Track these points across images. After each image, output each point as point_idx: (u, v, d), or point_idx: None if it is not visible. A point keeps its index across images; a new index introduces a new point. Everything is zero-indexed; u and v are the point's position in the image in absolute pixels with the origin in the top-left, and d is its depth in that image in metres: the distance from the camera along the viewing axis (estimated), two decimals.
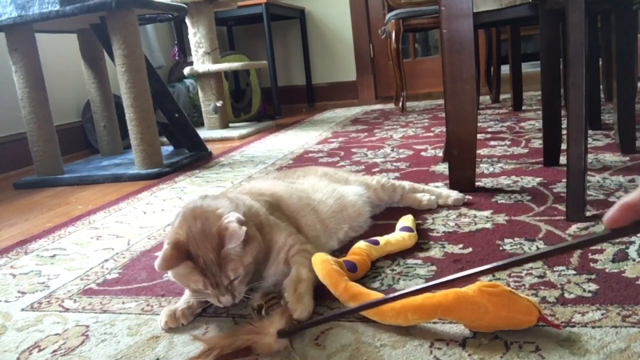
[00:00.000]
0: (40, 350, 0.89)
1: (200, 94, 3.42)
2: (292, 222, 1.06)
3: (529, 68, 4.11)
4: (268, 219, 1.00)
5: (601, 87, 2.52)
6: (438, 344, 0.77)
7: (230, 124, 3.59)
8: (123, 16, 2.15)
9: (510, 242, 1.11)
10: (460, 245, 1.12)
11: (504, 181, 1.58)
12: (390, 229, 1.20)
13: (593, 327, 0.77)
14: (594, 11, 1.97)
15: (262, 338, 0.78)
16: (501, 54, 3.40)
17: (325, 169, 1.38)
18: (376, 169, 1.93)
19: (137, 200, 1.86)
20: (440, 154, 2.05)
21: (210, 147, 2.73)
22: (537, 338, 0.76)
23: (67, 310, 1.03)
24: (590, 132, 2.11)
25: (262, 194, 1.08)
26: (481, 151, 2.01)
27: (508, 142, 2.15)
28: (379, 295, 0.85)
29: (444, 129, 2.21)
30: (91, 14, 2.17)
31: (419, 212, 1.36)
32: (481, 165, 1.80)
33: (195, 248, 0.86)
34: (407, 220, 1.22)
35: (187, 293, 0.98)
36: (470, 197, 1.44)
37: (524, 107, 3.06)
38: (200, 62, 3.37)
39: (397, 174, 1.82)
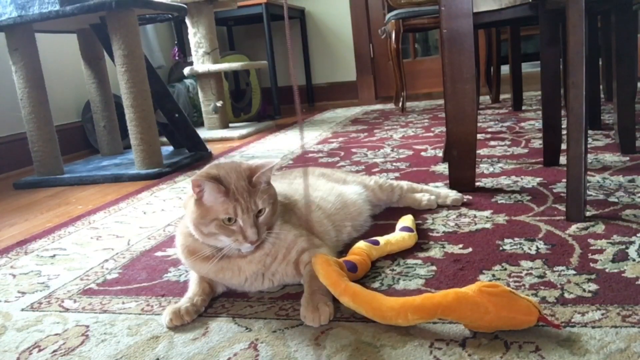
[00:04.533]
0: (40, 350, 0.89)
1: (200, 94, 3.42)
2: (301, 219, 1.07)
3: (529, 68, 4.11)
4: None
5: (601, 87, 2.52)
6: (438, 344, 0.77)
7: (230, 124, 3.59)
8: (123, 16, 2.15)
9: (510, 242, 1.11)
10: (460, 245, 1.12)
11: (504, 181, 1.58)
12: (390, 229, 1.20)
13: (593, 327, 0.77)
14: (594, 11, 1.97)
15: None
16: (501, 54, 3.40)
17: (322, 169, 1.38)
18: (376, 169, 1.93)
19: (137, 200, 1.86)
20: (440, 154, 2.05)
21: (210, 147, 2.73)
22: (537, 338, 0.76)
23: (67, 310, 1.03)
24: (590, 132, 2.11)
25: None
26: (481, 151, 2.01)
27: (508, 142, 2.15)
28: (379, 296, 0.85)
29: (444, 129, 2.21)
30: (91, 14, 2.17)
31: (418, 212, 1.36)
32: (481, 165, 1.80)
33: (227, 177, 0.92)
34: (407, 220, 1.22)
35: (190, 292, 0.98)
36: (470, 197, 1.44)
37: (524, 107, 3.06)
38: (200, 62, 3.37)
39: (397, 174, 1.82)
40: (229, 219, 0.91)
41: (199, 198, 0.93)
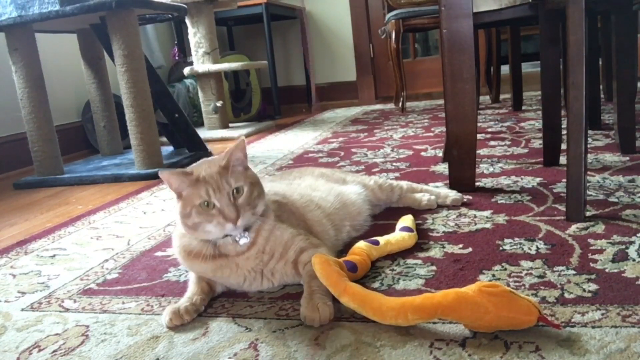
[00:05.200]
0: (40, 350, 0.89)
1: (200, 94, 3.42)
2: (299, 219, 1.07)
3: (529, 68, 4.11)
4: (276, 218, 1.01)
5: (601, 87, 2.52)
6: (438, 344, 0.77)
7: (230, 124, 3.59)
8: (123, 16, 2.15)
9: (510, 242, 1.11)
10: (460, 245, 1.12)
11: (504, 181, 1.58)
12: (390, 229, 1.20)
13: (593, 327, 0.77)
14: (594, 11, 1.97)
15: None
16: (501, 54, 3.39)
17: (322, 169, 1.38)
18: (376, 169, 1.93)
19: (137, 200, 1.86)
20: (440, 154, 2.05)
21: (210, 147, 2.73)
22: (537, 338, 0.76)
23: (67, 310, 1.03)
24: (590, 132, 2.11)
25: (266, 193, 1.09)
26: (481, 151, 2.01)
27: (508, 142, 2.15)
28: (379, 296, 0.85)
29: (444, 129, 2.21)
30: (91, 14, 2.17)
31: (418, 212, 1.36)
32: (481, 165, 1.80)
33: (196, 168, 0.95)
34: (407, 220, 1.22)
35: (189, 291, 0.98)
36: (470, 197, 1.44)
37: (524, 107, 3.06)
38: (200, 62, 3.37)
39: (397, 174, 1.82)
40: (206, 204, 0.91)
41: (179, 195, 0.94)
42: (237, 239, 0.95)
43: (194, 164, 0.99)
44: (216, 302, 0.99)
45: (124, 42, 2.17)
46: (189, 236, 0.98)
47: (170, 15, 2.69)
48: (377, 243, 1.08)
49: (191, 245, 0.98)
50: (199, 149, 2.62)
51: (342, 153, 2.34)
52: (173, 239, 1.04)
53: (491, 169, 1.74)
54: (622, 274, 0.92)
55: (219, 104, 3.36)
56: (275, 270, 0.99)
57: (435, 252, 1.10)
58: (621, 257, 0.98)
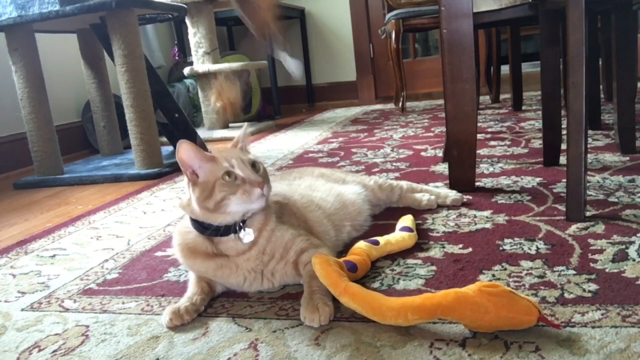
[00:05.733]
0: (40, 350, 0.89)
1: (200, 94, 3.42)
2: (300, 219, 1.07)
3: (529, 68, 4.10)
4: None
5: (601, 87, 2.52)
6: (438, 344, 0.77)
7: (230, 124, 3.59)
8: (123, 16, 2.15)
9: (510, 242, 1.11)
10: (460, 245, 1.12)
11: (504, 181, 1.58)
12: (390, 229, 1.20)
13: (593, 327, 0.77)
14: (594, 11, 1.97)
15: None
16: (501, 54, 3.39)
17: (322, 169, 1.38)
18: (376, 169, 1.93)
19: (137, 200, 1.86)
20: (440, 154, 2.05)
21: (210, 147, 2.72)
22: (537, 338, 0.76)
23: (67, 310, 1.03)
24: (590, 132, 2.11)
25: None
26: (481, 151, 2.01)
27: (508, 142, 2.15)
28: (379, 296, 0.85)
29: (444, 129, 2.21)
30: (91, 14, 2.17)
31: (418, 212, 1.36)
32: (481, 165, 1.80)
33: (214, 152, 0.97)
34: (407, 220, 1.22)
35: (189, 291, 0.98)
36: (470, 197, 1.44)
37: (524, 107, 3.06)
38: (200, 62, 3.37)
39: (397, 174, 1.82)
40: (229, 174, 0.92)
41: (194, 182, 0.94)
42: (241, 236, 0.95)
43: None
44: (216, 302, 0.99)
45: (124, 42, 2.17)
46: (191, 233, 0.98)
47: (170, 15, 2.69)
48: (377, 243, 1.08)
49: (193, 242, 0.98)
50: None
51: (342, 153, 2.34)
52: (173, 237, 1.04)
53: (491, 169, 1.74)
54: (622, 274, 0.92)
55: (219, 103, 3.36)
56: (276, 270, 0.99)
57: (435, 252, 1.10)
58: (621, 257, 0.98)
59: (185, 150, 0.93)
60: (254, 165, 0.95)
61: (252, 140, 3.07)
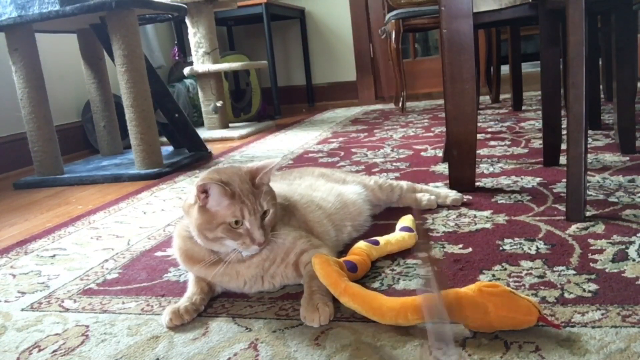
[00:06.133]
0: (40, 350, 0.89)
1: (200, 94, 3.42)
2: (300, 220, 1.06)
3: (529, 68, 4.11)
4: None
5: (601, 87, 2.52)
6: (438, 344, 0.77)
7: (230, 124, 3.59)
8: (123, 16, 2.15)
9: (510, 242, 1.11)
10: (460, 245, 1.12)
11: (504, 181, 1.58)
12: (390, 229, 1.20)
13: (593, 327, 0.77)
14: (594, 11, 1.97)
15: None
16: (501, 54, 3.39)
17: (322, 169, 1.38)
18: (376, 169, 1.93)
19: (137, 200, 1.86)
20: (440, 154, 2.05)
21: (210, 147, 2.73)
22: (537, 338, 0.76)
23: (67, 310, 1.03)
24: (590, 132, 2.11)
25: None
26: (481, 151, 2.01)
27: (508, 142, 2.15)
28: (379, 296, 0.85)
29: (444, 129, 2.21)
30: (91, 14, 2.17)
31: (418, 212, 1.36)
32: (481, 165, 1.80)
33: (231, 180, 0.91)
34: (407, 220, 1.22)
35: (188, 291, 0.98)
36: (470, 197, 1.44)
37: (524, 107, 3.06)
38: (200, 62, 3.37)
39: (397, 174, 1.82)
40: (236, 222, 0.91)
41: (203, 205, 0.92)
42: (240, 250, 0.95)
43: (217, 169, 0.97)
44: (216, 302, 0.99)
45: (124, 42, 2.17)
46: (192, 241, 0.98)
47: (170, 15, 2.69)
48: (377, 243, 1.08)
49: (194, 250, 0.98)
50: (199, 149, 2.62)
51: (342, 153, 2.34)
52: (174, 239, 1.04)
53: (491, 169, 1.74)
54: (622, 274, 0.92)
55: (219, 104, 3.36)
56: (276, 274, 0.99)
57: (435, 252, 1.10)
58: (621, 257, 0.98)
59: (207, 189, 0.90)
60: (265, 213, 0.93)
61: (252, 140, 3.07)
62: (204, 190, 0.91)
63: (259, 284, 0.99)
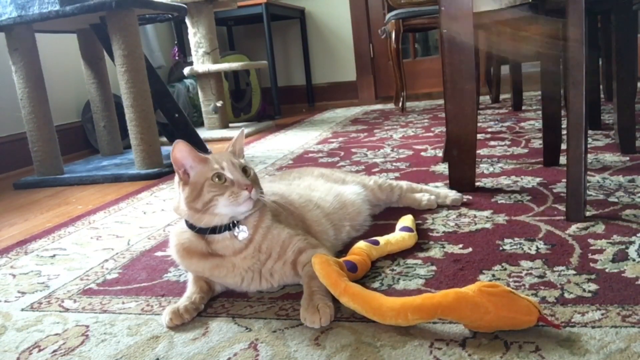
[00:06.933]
0: (40, 350, 0.89)
1: (200, 94, 3.42)
2: (298, 219, 1.06)
3: (529, 68, 4.10)
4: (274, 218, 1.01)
5: (601, 87, 2.52)
6: (438, 344, 0.77)
7: (230, 124, 3.59)
8: (123, 16, 2.15)
9: (510, 242, 1.11)
10: (460, 245, 1.12)
11: (504, 181, 1.58)
12: (390, 229, 1.20)
13: (593, 327, 0.77)
14: (594, 11, 1.97)
15: None
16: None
17: (321, 169, 1.38)
18: (376, 169, 1.93)
19: (137, 200, 1.86)
20: (440, 154, 2.05)
21: (210, 147, 2.73)
22: (537, 338, 0.76)
23: (67, 310, 1.03)
24: (590, 132, 2.11)
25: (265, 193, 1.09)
26: (481, 151, 2.01)
27: (508, 142, 2.15)
28: (379, 296, 0.85)
29: (444, 129, 2.21)
30: (91, 14, 2.17)
31: (418, 212, 1.36)
32: (481, 165, 1.80)
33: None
34: (407, 220, 1.22)
35: (188, 291, 0.98)
36: (470, 197, 1.44)
37: (524, 107, 3.06)
38: (200, 62, 3.37)
39: (397, 174, 1.82)
40: (219, 176, 0.93)
41: (185, 181, 0.95)
42: (236, 234, 0.95)
43: None
44: (216, 302, 0.99)
45: (124, 42, 2.17)
46: (188, 233, 0.98)
47: (170, 15, 2.69)
48: (377, 243, 1.08)
49: (188, 242, 0.99)
50: (199, 149, 2.61)
51: (342, 153, 2.34)
52: (170, 238, 1.04)
53: (491, 169, 1.74)
54: (622, 274, 0.92)
55: (219, 104, 3.36)
56: (274, 270, 0.99)
57: (435, 252, 1.10)
58: (621, 257, 0.98)
59: (179, 150, 0.94)
60: (245, 169, 0.96)
61: (252, 140, 3.07)
62: (177, 161, 0.95)
63: (257, 282, 0.99)
